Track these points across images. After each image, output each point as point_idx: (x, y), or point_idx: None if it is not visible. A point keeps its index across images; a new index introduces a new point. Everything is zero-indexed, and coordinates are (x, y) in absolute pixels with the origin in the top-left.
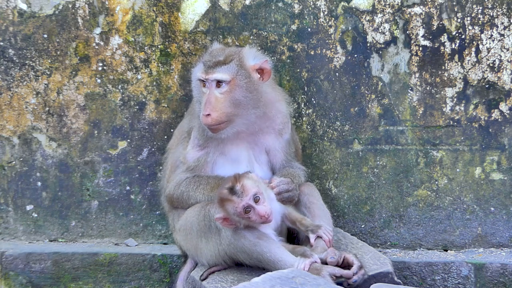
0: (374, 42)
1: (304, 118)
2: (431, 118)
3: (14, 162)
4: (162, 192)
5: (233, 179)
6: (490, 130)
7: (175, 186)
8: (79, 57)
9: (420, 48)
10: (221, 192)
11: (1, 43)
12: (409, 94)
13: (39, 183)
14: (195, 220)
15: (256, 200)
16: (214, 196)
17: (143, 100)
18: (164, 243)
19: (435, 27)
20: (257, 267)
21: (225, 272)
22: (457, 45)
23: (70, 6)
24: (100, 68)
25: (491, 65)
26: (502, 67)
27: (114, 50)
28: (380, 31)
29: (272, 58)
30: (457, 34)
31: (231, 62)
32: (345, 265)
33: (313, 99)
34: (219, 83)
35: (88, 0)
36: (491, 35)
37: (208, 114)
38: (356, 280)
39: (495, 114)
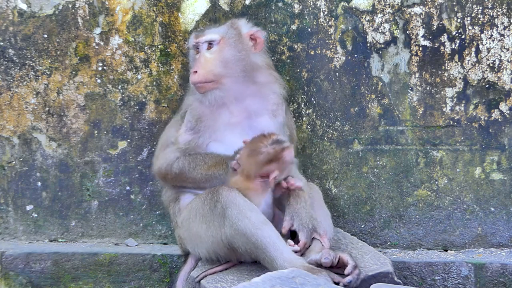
0: (374, 42)
1: (304, 118)
2: (431, 118)
3: (14, 162)
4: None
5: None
6: (490, 130)
7: (167, 164)
8: (79, 57)
9: (420, 48)
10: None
11: (1, 43)
12: (409, 94)
13: (39, 183)
14: (200, 205)
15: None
16: (213, 176)
17: (143, 100)
18: (164, 243)
19: (435, 27)
20: (250, 257)
21: (225, 272)
22: (457, 45)
23: (70, 6)
24: (100, 68)
25: (491, 65)
26: (502, 67)
27: (114, 50)
28: (380, 31)
29: (272, 58)
30: (457, 34)
31: (224, 25)
32: (341, 265)
33: (313, 99)
34: (209, 45)
35: (88, 0)
36: (491, 35)
37: (196, 71)
38: (350, 281)
39: (495, 114)
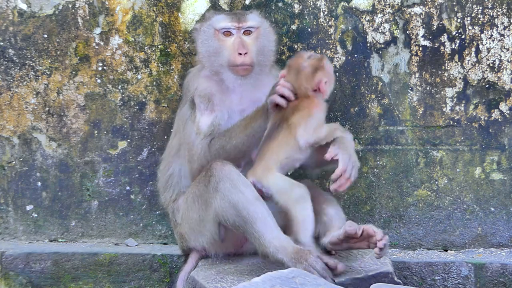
0: (374, 42)
1: None
2: (431, 118)
3: (14, 162)
4: (160, 188)
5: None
6: (490, 130)
7: (204, 153)
8: (79, 57)
9: (420, 48)
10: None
11: (1, 43)
12: (409, 94)
13: (39, 183)
14: (195, 188)
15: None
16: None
17: (143, 100)
18: (164, 243)
19: (435, 27)
20: (238, 230)
21: (225, 272)
22: (457, 45)
23: (70, 6)
24: (100, 68)
25: (491, 65)
26: (502, 67)
27: (114, 50)
28: (380, 31)
29: None
30: (457, 34)
31: (252, 14)
32: (365, 237)
33: None
34: (247, 31)
35: (88, 0)
36: (491, 35)
37: (241, 53)
38: (385, 244)
39: (495, 114)
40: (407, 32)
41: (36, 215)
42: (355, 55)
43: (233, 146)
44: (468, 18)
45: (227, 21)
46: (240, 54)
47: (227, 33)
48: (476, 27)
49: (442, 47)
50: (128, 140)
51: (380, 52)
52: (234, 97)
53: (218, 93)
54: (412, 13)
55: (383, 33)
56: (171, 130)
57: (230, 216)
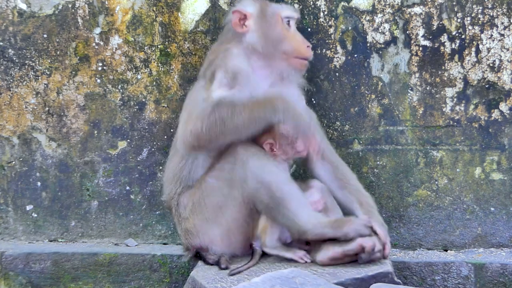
0: (374, 42)
1: None
2: (431, 118)
3: (13, 162)
4: (166, 180)
5: None
6: (490, 130)
7: (202, 120)
8: (79, 57)
9: (420, 48)
10: None
11: (1, 43)
12: (409, 94)
13: (39, 183)
14: (216, 173)
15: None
16: (257, 118)
17: (143, 100)
18: (164, 243)
19: (435, 27)
20: (269, 213)
21: (225, 272)
22: (457, 45)
23: (70, 6)
24: (100, 68)
25: (491, 65)
26: (502, 67)
27: (114, 50)
28: (380, 31)
29: None
30: (457, 34)
31: None
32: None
33: (313, 99)
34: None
35: (88, 0)
36: (491, 35)
37: (308, 46)
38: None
39: (495, 114)
40: (407, 32)
41: (36, 215)
42: (355, 55)
43: (232, 125)
44: (468, 18)
45: (292, 10)
46: (308, 47)
47: (289, 23)
48: (476, 27)
49: (442, 47)
50: (128, 140)
51: (380, 52)
52: (262, 84)
53: (247, 73)
54: (412, 13)
55: (383, 33)
56: (171, 130)
57: (264, 198)
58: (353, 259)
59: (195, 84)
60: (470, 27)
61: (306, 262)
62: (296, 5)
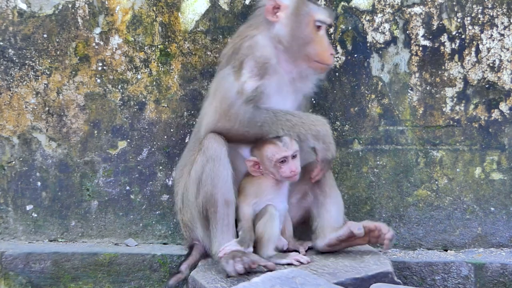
0: (374, 42)
1: None
2: (431, 118)
3: (14, 162)
4: (179, 168)
5: None
6: (490, 130)
7: (237, 118)
8: (79, 57)
9: (420, 48)
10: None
11: (1, 43)
12: (409, 94)
13: (39, 183)
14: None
15: (294, 156)
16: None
17: (143, 100)
18: (164, 243)
19: (435, 27)
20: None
21: (225, 272)
22: (457, 45)
23: (70, 6)
24: (100, 68)
25: (491, 65)
26: (502, 67)
27: (114, 50)
28: (380, 31)
29: None
30: (457, 34)
31: None
32: (366, 232)
33: (313, 99)
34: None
35: (88, 0)
36: (491, 35)
37: (332, 54)
38: (393, 235)
39: (495, 114)
40: (407, 32)
41: (36, 215)
42: (355, 55)
43: (268, 131)
44: (468, 18)
45: (326, 15)
46: (331, 54)
47: (320, 27)
48: (476, 27)
49: (442, 47)
50: (128, 140)
51: (380, 52)
52: (286, 76)
53: (274, 64)
54: (412, 13)
55: (383, 33)
56: (171, 130)
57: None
58: (348, 245)
59: (220, 68)
60: (470, 27)
61: (302, 264)
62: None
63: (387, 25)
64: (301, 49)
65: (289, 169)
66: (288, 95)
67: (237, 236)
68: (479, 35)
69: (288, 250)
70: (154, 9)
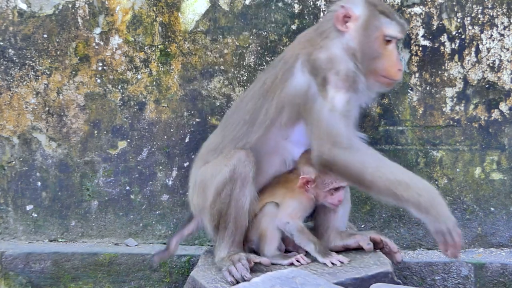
0: None
1: None
2: (431, 118)
3: (14, 162)
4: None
5: None
6: (490, 130)
7: (341, 156)
8: (79, 57)
9: (420, 48)
10: None
11: (1, 43)
12: (409, 94)
13: (39, 183)
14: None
15: (343, 187)
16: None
17: (143, 100)
18: (164, 243)
19: (435, 27)
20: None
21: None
22: (457, 45)
23: (70, 6)
24: (100, 68)
25: (491, 65)
26: (502, 67)
27: (114, 50)
28: None
29: (272, 58)
30: (457, 34)
31: None
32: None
33: None
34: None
35: (88, 0)
36: (491, 35)
37: (400, 70)
38: (402, 258)
39: (495, 114)
40: (407, 32)
41: (36, 215)
42: None
43: (376, 176)
44: (468, 18)
45: (397, 31)
46: (399, 70)
47: (390, 41)
48: (476, 27)
49: (442, 47)
50: (128, 140)
51: None
52: (362, 97)
53: (357, 76)
54: (412, 13)
55: None
56: (171, 130)
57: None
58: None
59: (287, 65)
60: (470, 27)
61: (302, 264)
62: (296, 5)
63: None
64: (369, 63)
65: (338, 198)
66: (355, 108)
67: (243, 247)
68: (479, 35)
69: (288, 251)
70: (154, 9)
